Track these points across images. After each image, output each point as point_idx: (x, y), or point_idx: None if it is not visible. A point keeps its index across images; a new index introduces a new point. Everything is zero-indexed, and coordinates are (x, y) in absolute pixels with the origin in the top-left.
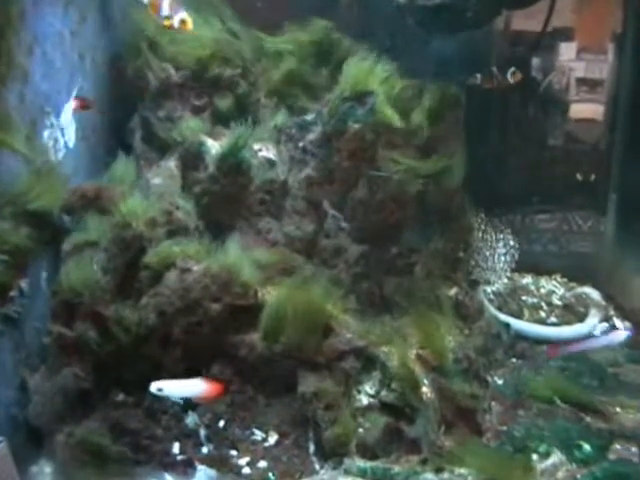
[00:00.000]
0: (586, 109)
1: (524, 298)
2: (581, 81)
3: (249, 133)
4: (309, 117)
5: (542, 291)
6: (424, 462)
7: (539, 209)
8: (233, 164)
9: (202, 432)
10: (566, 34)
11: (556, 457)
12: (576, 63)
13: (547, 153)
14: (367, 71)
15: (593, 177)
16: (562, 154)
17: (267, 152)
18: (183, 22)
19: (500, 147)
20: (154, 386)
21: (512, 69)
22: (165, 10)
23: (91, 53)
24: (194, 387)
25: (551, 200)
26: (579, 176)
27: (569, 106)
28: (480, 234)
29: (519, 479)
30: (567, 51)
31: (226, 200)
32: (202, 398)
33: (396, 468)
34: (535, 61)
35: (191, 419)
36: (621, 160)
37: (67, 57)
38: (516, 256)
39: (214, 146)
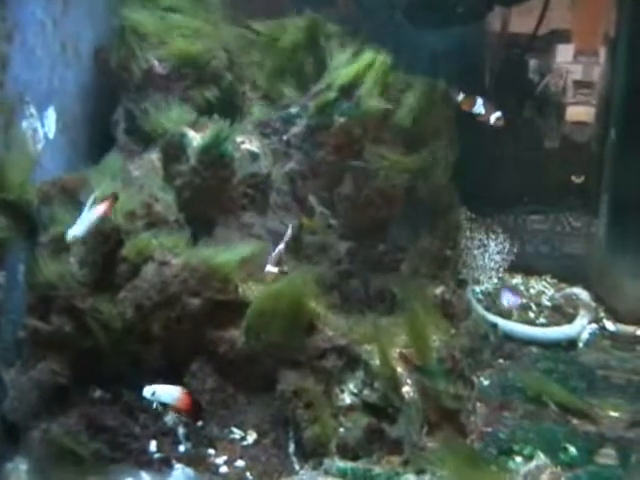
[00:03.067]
0: (583, 112)
1: None
2: (578, 83)
3: (232, 125)
4: (294, 110)
5: (531, 291)
6: (406, 463)
7: (531, 210)
8: (215, 156)
9: (180, 430)
10: (563, 36)
11: (540, 460)
12: (573, 65)
13: (542, 155)
14: (354, 64)
15: (587, 179)
16: (557, 156)
17: (250, 144)
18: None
19: (494, 148)
20: (148, 391)
21: (498, 114)
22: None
23: (74, 43)
24: (171, 394)
25: (544, 201)
26: (573, 178)
27: (565, 108)
28: (470, 232)
29: None
30: (564, 53)
31: (208, 193)
32: (173, 407)
33: (377, 469)
34: (532, 63)
35: (169, 417)
36: (613, 162)
37: (48, 46)
38: (508, 256)
39: (196, 138)
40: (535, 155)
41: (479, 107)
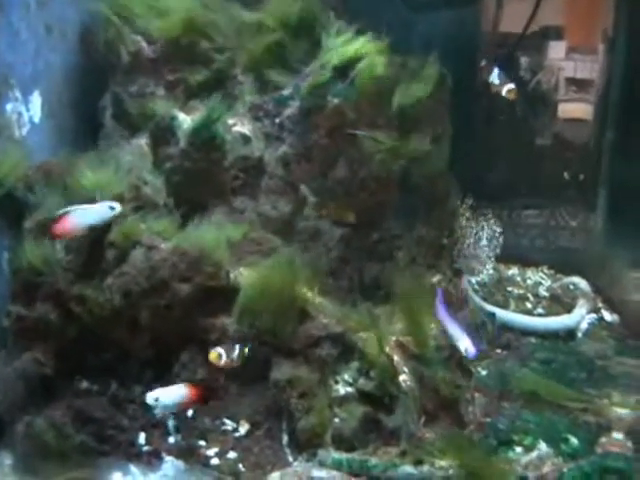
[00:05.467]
0: (575, 108)
1: (510, 289)
2: (570, 80)
3: (223, 107)
4: (286, 91)
5: (528, 282)
6: (403, 454)
7: (528, 204)
8: (206, 138)
9: (170, 422)
10: (555, 33)
11: (542, 450)
12: (565, 62)
13: (537, 152)
14: (349, 45)
15: (581, 174)
16: (550, 153)
17: (242, 127)
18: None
19: (488, 145)
20: (150, 397)
21: (511, 85)
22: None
23: (60, 25)
24: (179, 392)
25: (539, 195)
26: (567, 174)
27: (557, 105)
28: (465, 221)
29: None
30: (556, 50)
31: (198, 177)
32: (186, 403)
33: (373, 460)
34: (523, 60)
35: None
36: (611, 157)
37: (33, 28)
38: (500, 243)
39: (186, 120)
40: (528, 152)
41: (494, 77)
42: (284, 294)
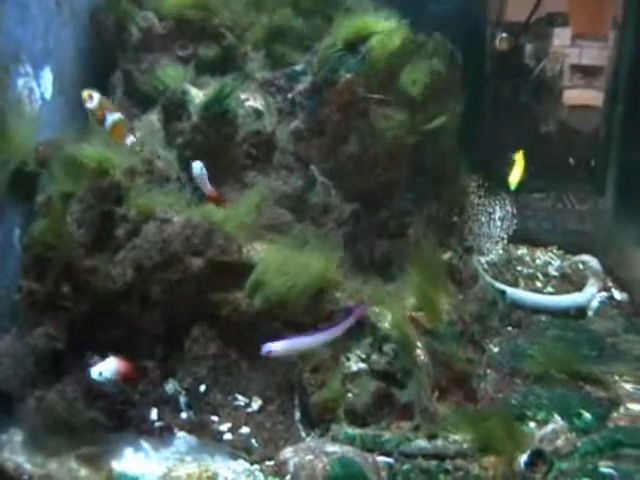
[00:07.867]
0: (580, 95)
1: (519, 269)
2: (575, 67)
3: (236, 82)
4: (298, 67)
5: (538, 262)
6: (416, 428)
7: (536, 187)
8: (218, 113)
9: (182, 398)
10: (560, 19)
11: (556, 424)
12: (570, 49)
13: (541, 137)
14: (361, 20)
15: (589, 159)
16: (557, 138)
17: (254, 102)
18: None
19: (496, 129)
20: (95, 371)
21: (503, 35)
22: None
23: (69, 1)
24: (109, 365)
25: (551, 179)
26: (574, 159)
27: (562, 92)
28: (476, 199)
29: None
30: (561, 37)
31: (210, 152)
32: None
33: (387, 435)
34: (528, 47)
35: (170, 384)
36: (620, 141)
37: (43, 4)
38: (513, 224)
39: (198, 95)
40: (533, 138)
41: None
42: (301, 270)
